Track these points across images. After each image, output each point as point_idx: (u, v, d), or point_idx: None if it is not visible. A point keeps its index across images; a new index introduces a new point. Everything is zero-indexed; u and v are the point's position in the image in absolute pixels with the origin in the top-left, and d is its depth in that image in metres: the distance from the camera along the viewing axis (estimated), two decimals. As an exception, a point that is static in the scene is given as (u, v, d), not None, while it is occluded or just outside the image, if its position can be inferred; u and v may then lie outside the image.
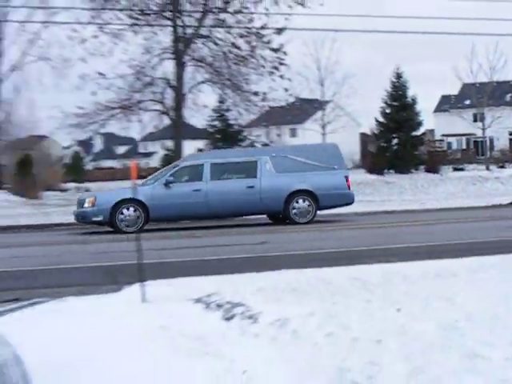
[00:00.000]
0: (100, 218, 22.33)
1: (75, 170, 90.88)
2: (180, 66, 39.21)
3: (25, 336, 7.82)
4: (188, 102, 40.67)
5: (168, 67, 40.19)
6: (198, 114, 44.04)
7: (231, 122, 51.29)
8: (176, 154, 41.03)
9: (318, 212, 24.42)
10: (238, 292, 8.84)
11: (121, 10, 38.76)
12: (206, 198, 22.67)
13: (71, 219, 24.42)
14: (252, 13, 39.15)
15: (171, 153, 47.30)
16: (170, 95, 40.18)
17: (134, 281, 10.05)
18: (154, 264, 11.86)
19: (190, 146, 49.56)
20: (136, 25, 38.90)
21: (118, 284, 11.02)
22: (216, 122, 53.38)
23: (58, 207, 35.84)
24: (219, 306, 8.39)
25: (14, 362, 6.84)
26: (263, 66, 39.33)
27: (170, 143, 51.97)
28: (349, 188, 24.32)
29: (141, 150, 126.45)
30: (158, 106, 40.48)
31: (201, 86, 40.66)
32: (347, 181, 24.29)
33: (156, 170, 64.39)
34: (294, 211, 23.29)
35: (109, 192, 24.72)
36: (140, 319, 8.31)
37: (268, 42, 39.22)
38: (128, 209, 22.12)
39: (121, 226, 22.00)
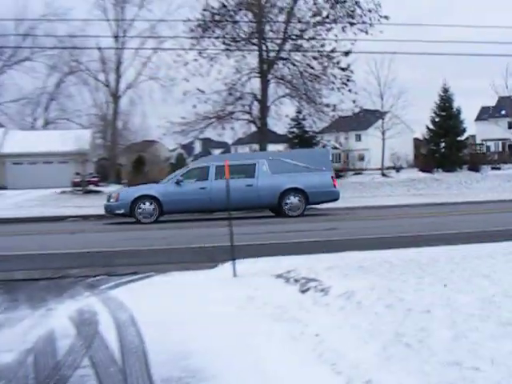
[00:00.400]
0: (122, 211, 22.42)
1: (179, 169, 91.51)
2: (265, 83, 39.30)
3: (139, 302, 7.97)
4: (271, 112, 40.78)
5: (255, 84, 40.34)
6: (280, 123, 44.14)
7: (307, 128, 51.21)
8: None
9: (377, 203, 24.19)
10: (312, 269, 8.86)
11: (216, 38, 39.02)
12: (210, 195, 22.39)
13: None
14: (324, 39, 39.06)
15: (257, 154, 47.36)
16: (256, 107, 40.30)
17: (227, 259, 10.14)
18: (243, 246, 11.91)
19: (272, 149, 49.48)
20: (228, 50, 39.11)
21: (213, 262, 11.10)
22: (294, 129, 53.23)
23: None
24: (296, 280, 8.43)
25: (130, 323, 6.98)
26: (333, 83, 39.19)
27: (256, 147, 52.03)
28: (334, 186, 23.80)
29: (233, 152, 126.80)
30: (247, 116, 40.63)
31: (282, 99, 40.73)
32: (333, 180, 23.83)
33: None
34: (287, 206, 22.93)
35: (130, 189, 24.77)
36: (232, 290, 8.39)
37: (337, 63, 39.07)
38: (145, 203, 22.17)
39: (139, 218, 22.09)
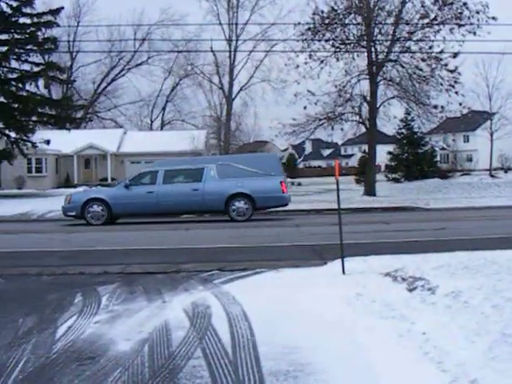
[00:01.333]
0: (74, 213, 22.57)
1: (290, 168, 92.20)
2: (373, 84, 38.97)
3: (250, 297, 8.03)
4: (380, 113, 40.37)
5: (364, 86, 40.01)
6: (388, 124, 43.59)
7: (415, 129, 50.67)
8: (370, 155, 40.83)
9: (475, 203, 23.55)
10: (419, 268, 8.76)
11: (326, 40, 38.89)
12: (157, 199, 22.45)
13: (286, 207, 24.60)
14: (432, 41, 38.37)
15: (366, 155, 47.11)
16: (365, 108, 39.98)
17: (336, 257, 10.12)
18: (351, 244, 11.84)
19: (381, 150, 49.08)
20: (338, 52, 38.97)
21: (323, 259, 11.09)
22: (403, 130, 52.73)
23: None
24: (403, 279, 8.34)
25: (241, 317, 7.04)
26: (441, 84, 38.44)
27: (365, 147, 51.76)
28: (283, 191, 22.86)
29: (342, 152, 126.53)
30: (356, 117, 40.36)
31: (390, 100, 40.25)
32: (282, 185, 22.88)
33: (354, 169, 64.40)
34: (233, 211, 22.41)
35: (81, 192, 24.97)
36: (340, 287, 8.37)
37: (445, 65, 38.33)
38: (94, 206, 22.31)
39: (89, 220, 22.23)
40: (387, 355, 5.54)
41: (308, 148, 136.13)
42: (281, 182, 22.84)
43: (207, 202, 22.55)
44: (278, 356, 5.62)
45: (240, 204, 22.50)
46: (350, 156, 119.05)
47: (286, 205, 23.63)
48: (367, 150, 43.46)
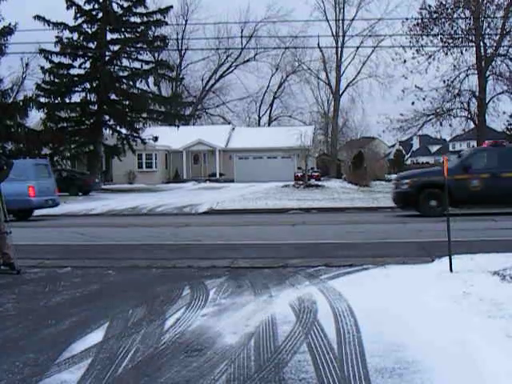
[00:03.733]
0: None
1: (397, 164, 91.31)
2: (482, 79, 38.18)
3: (356, 293, 8.00)
4: (489, 109, 39.50)
5: (472, 81, 39.30)
6: (498, 119, 42.74)
7: (526, 126, 49.46)
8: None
9: None
10: (530, 267, 8.53)
11: (434, 35, 38.37)
12: None
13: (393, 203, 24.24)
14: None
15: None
16: (474, 104, 39.25)
17: (443, 255, 9.95)
18: (458, 242, 11.59)
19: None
20: (446, 47, 38.39)
21: (430, 257, 10.92)
22: (513, 126, 51.54)
23: (383, 194, 36.02)
24: (513, 278, 8.15)
25: (347, 313, 7.01)
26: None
27: (474, 143, 50.73)
28: (31, 195, 24.32)
29: (450, 148, 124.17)
30: (465, 113, 39.67)
31: (500, 96, 39.32)
32: (30, 189, 24.23)
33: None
34: None
35: None
36: (447, 285, 8.23)
37: None
38: None
39: None
40: (495, 356, 5.39)
41: (415, 144, 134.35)
42: (29, 187, 24.37)
43: None
44: (384, 353, 5.56)
45: None
46: (459, 152, 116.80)
47: (33, 208, 25.64)
48: (476, 147, 42.61)
